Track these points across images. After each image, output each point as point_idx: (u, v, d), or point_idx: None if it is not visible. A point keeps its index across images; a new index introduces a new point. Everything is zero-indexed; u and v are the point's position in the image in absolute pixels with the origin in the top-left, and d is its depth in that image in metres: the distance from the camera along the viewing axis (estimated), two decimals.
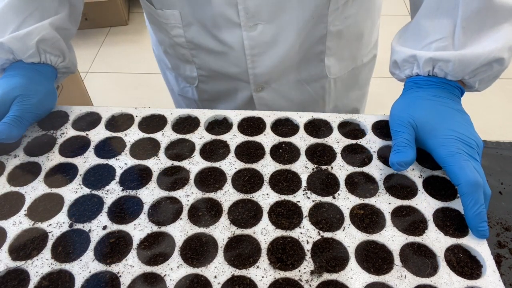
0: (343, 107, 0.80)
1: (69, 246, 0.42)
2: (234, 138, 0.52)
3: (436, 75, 0.51)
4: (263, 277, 0.39)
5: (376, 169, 0.49)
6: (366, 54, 0.74)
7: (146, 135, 0.53)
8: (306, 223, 0.44)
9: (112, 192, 0.47)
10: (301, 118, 0.54)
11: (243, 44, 0.62)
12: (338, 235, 0.42)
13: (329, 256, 0.41)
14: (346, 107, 0.80)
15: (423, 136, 0.48)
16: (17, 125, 0.49)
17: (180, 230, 0.43)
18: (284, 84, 0.70)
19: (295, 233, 0.43)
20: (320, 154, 0.51)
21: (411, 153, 0.46)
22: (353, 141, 0.52)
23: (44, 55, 0.55)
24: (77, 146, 0.52)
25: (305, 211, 0.44)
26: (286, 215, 0.44)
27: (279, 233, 0.43)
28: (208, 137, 0.53)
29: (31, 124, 0.54)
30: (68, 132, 0.53)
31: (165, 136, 0.53)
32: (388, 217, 0.44)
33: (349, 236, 0.42)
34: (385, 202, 0.45)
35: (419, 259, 0.41)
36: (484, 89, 0.53)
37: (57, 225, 0.44)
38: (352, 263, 0.40)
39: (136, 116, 0.55)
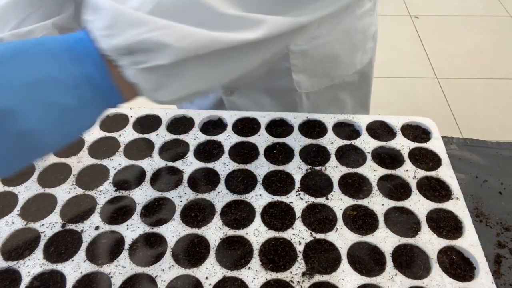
0: None
1: (61, 247, 0.42)
2: (228, 138, 0.52)
3: None
4: (254, 278, 0.39)
5: (370, 170, 0.48)
6: (349, 75, 0.69)
7: (141, 136, 0.53)
8: (298, 224, 0.43)
9: (105, 193, 0.47)
10: (296, 119, 0.54)
11: None
12: (331, 236, 0.42)
13: (321, 258, 0.41)
14: None
15: None
16: None
17: (173, 231, 0.43)
18: (254, 91, 0.67)
19: (287, 234, 0.42)
20: (314, 155, 0.50)
21: None
22: (348, 142, 0.52)
23: None
24: (71, 146, 0.52)
25: (298, 212, 0.44)
26: (279, 216, 0.44)
27: (272, 234, 0.43)
28: (203, 137, 0.53)
29: None
30: None
31: (160, 137, 0.53)
32: (381, 218, 0.44)
33: (342, 238, 0.42)
34: (378, 203, 0.45)
35: (412, 261, 0.41)
36: None
37: (50, 225, 0.44)
38: (344, 265, 0.40)
39: (131, 117, 0.55)
